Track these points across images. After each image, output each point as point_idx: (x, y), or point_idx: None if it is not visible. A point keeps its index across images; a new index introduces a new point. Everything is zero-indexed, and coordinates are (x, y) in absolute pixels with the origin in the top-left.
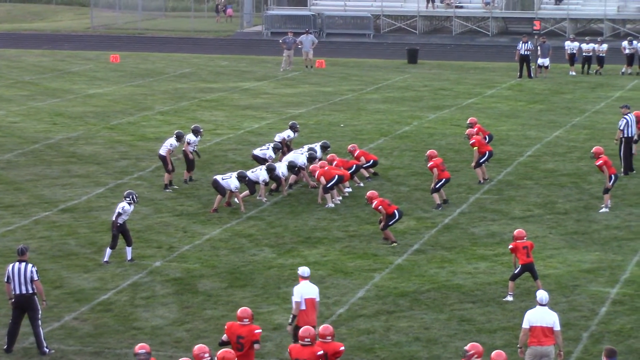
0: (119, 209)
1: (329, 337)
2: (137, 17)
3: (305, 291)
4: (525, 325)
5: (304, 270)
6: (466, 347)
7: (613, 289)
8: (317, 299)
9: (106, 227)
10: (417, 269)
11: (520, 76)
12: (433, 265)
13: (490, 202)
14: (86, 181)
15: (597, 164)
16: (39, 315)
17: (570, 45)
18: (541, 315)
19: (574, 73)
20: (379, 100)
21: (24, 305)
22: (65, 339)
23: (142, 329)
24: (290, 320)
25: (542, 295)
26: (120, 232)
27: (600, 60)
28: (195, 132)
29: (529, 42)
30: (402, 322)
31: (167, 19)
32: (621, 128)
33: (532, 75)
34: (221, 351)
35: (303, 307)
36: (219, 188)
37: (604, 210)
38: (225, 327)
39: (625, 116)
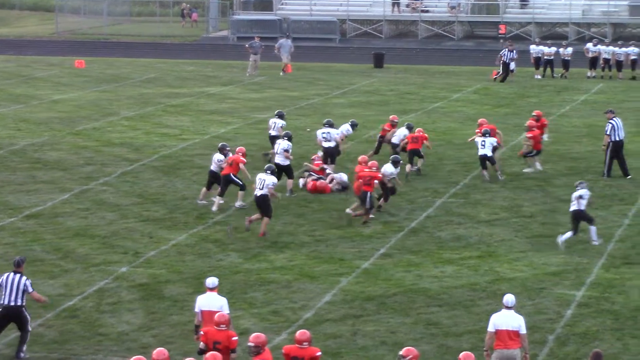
0: None
1: (306, 343)
2: (103, 22)
3: (203, 303)
4: (491, 328)
5: (208, 281)
6: (401, 352)
7: (579, 292)
8: (224, 312)
9: (71, 233)
10: (383, 273)
11: (504, 80)
12: (399, 269)
13: (457, 205)
14: (51, 187)
15: None
16: (29, 325)
17: (536, 49)
18: (507, 319)
19: (539, 77)
20: (345, 104)
21: (10, 317)
22: (30, 345)
23: (108, 335)
24: (194, 331)
25: (508, 298)
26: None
27: (566, 64)
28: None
29: (514, 52)
30: (369, 326)
31: (132, 24)
32: (608, 133)
33: (505, 79)
34: (209, 354)
35: (200, 318)
36: None
37: None
38: (202, 333)
39: (611, 120)
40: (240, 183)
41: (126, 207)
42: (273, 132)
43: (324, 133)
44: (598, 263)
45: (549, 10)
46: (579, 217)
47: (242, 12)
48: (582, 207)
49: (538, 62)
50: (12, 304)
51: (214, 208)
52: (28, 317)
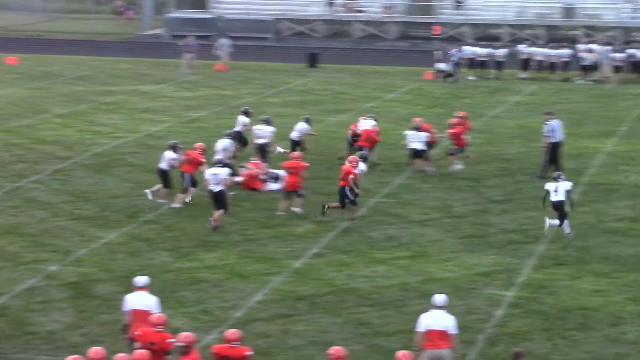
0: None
1: (236, 342)
2: (36, 18)
3: (132, 302)
4: (421, 328)
5: (138, 279)
6: (329, 351)
7: (509, 292)
8: (154, 310)
9: (1, 231)
10: (314, 273)
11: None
12: (331, 268)
13: (388, 205)
14: None
15: None
16: None
17: (470, 50)
18: (437, 319)
19: (473, 78)
20: (279, 104)
21: None
22: None
23: (37, 333)
24: (123, 330)
25: (437, 298)
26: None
27: (499, 65)
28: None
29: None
30: (299, 326)
31: (67, 21)
32: (547, 134)
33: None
34: (138, 352)
35: (129, 317)
36: None
37: None
38: (138, 333)
39: (548, 122)
40: (189, 187)
41: (57, 205)
42: (237, 128)
43: (258, 129)
44: (528, 263)
45: (483, 12)
46: (558, 208)
47: (176, 10)
48: (563, 198)
49: (472, 63)
50: None
51: (188, 198)
52: None
